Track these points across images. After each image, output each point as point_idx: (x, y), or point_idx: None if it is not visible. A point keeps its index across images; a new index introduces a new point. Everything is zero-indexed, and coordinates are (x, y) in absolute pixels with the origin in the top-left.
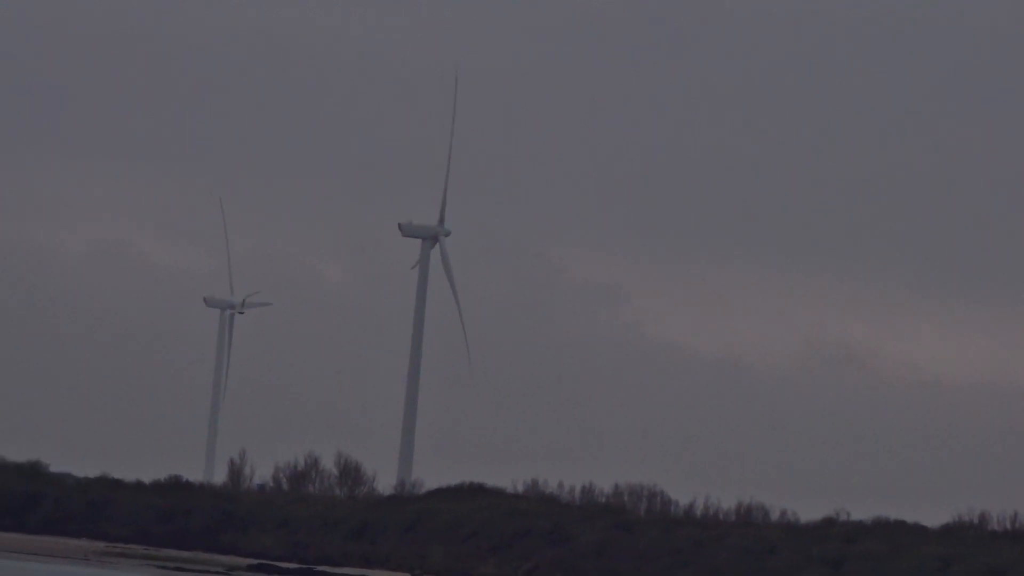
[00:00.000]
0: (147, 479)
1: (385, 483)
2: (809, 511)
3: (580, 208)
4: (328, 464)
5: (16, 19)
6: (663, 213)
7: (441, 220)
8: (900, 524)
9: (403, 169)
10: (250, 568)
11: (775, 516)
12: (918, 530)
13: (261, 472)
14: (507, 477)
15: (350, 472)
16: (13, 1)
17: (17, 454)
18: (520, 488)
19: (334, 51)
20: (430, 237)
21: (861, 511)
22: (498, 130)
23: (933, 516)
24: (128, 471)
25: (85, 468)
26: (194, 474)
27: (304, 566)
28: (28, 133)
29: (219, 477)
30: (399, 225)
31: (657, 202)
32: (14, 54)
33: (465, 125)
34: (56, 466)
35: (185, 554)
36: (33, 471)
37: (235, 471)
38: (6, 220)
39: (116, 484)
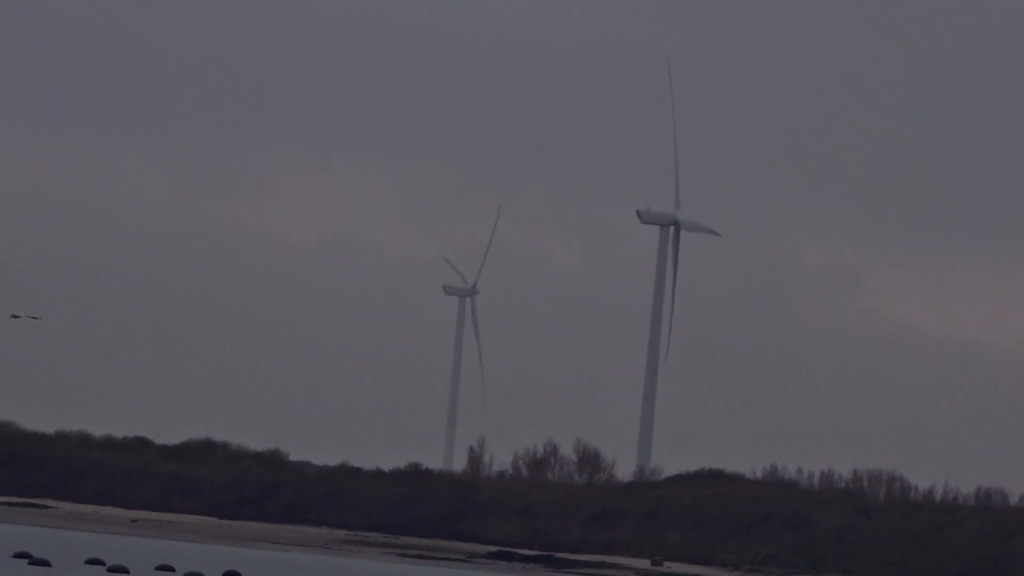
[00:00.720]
0: (386, 467)
1: (624, 469)
2: None
3: (812, 191)
4: (567, 451)
5: (255, 15)
6: (895, 194)
7: (677, 205)
8: None
9: (638, 156)
10: (490, 555)
11: (1014, 500)
12: None
13: (500, 459)
14: (746, 463)
15: (589, 459)
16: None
17: (257, 443)
18: (759, 474)
19: (558, 40)
20: (669, 223)
21: None
22: (727, 115)
23: None
24: (367, 459)
25: (324, 457)
26: (433, 462)
27: (544, 553)
28: (264, 125)
29: (458, 464)
30: (638, 212)
31: (889, 183)
32: (249, 50)
33: (691, 111)
34: (296, 455)
35: (425, 541)
36: (273, 460)
37: (474, 458)
38: (242, 211)
39: (356, 472)
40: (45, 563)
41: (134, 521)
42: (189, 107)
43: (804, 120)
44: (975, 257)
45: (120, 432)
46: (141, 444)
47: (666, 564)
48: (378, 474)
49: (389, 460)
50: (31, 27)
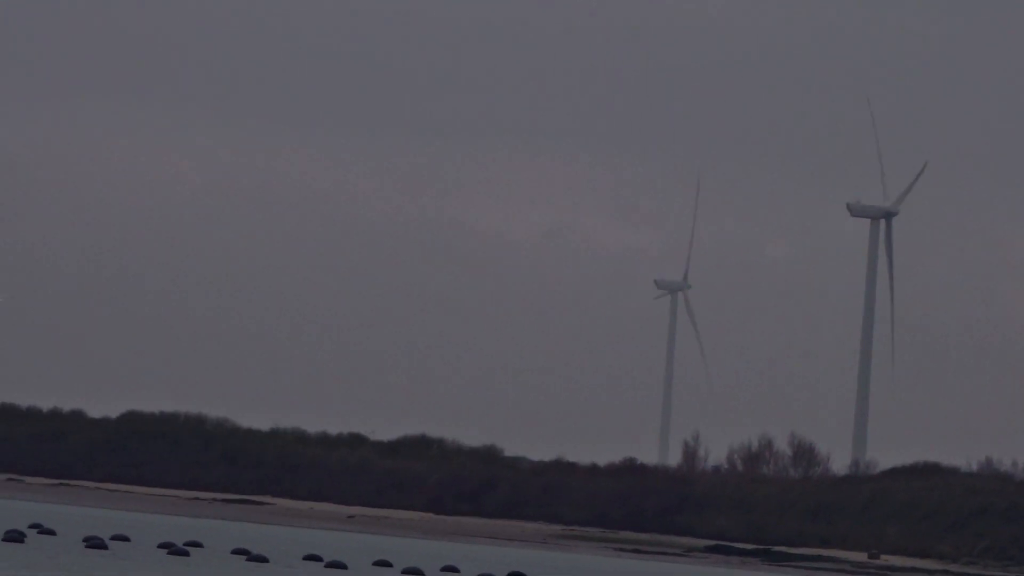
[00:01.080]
0: (601, 462)
1: (839, 463)
2: None
3: (1021, 185)
4: (782, 445)
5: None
6: None
7: (885, 198)
8: None
9: (846, 149)
10: (707, 549)
11: None
12: None
13: (715, 453)
14: (961, 456)
15: (804, 452)
16: None
17: (473, 439)
18: (974, 467)
19: (763, 33)
20: (880, 216)
21: None
22: (932, 107)
23: None
24: (582, 454)
25: (540, 451)
26: (648, 456)
27: (760, 547)
28: (476, 121)
29: (673, 459)
30: (848, 205)
31: None
32: (460, 46)
33: (891, 101)
34: (511, 450)
35: (641, 536)
36: (489, 455)
37: (689, 453)
38: (458, 206)
39: (571, 467)
40: (263, 560)
41: (351, 517)
42: (398, 103)
43: (1008, 108)
44: None
45: (335, 429)
46: (357, 440)
47: (883, 557)
48: (593, 469)
49: (604, 454)
50: (248, 31)
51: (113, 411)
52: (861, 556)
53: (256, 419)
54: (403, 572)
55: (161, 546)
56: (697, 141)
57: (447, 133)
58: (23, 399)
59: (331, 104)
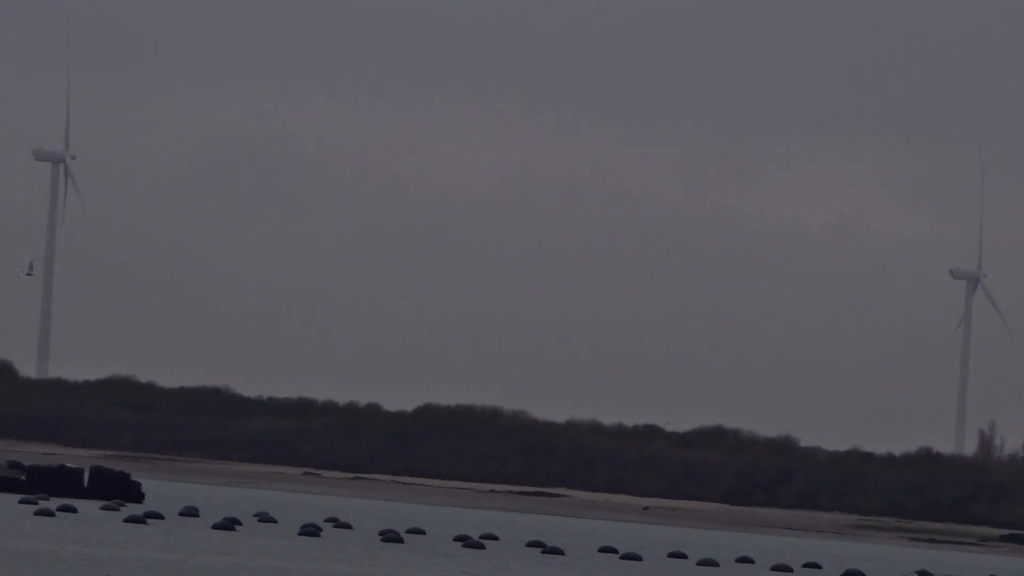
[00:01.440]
0: (897, 451)
1: None
2: None
3: None
4: None
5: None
6: None
7: None
8: None
9: None
10: (1002, 539)
11: None
12: None
13: (1012, 442)
14: None
15: None
16: None
17: (768, 429)
18: None
19: None
20: None
21: None
22: None
23: None
24: (878, 443)
25: (835, 442)
26: (944, 445)
27: None
28: (767, 110)
29: (969, 448)
30: None
31: None
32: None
33: None
34: (806, 440)
35: (936, 525)
36: (784, 446)
37: (985, 441)
38: (749, 197)
39: (867, 457)
40: (558, 552)
41: (646, 509)
42: (695, 93)
43: None
44: None
45: (630, 420)
46: (652, 432)
47: None
48: (889, 458)
49: (899, 444)
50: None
51: (409, 404)
52: None
53: (552, 411)
54: (698, 564)
55: (456, 539)
56: (985, 127)
57: (738, 121)
58: (320, 393)
59: (630, 97)
